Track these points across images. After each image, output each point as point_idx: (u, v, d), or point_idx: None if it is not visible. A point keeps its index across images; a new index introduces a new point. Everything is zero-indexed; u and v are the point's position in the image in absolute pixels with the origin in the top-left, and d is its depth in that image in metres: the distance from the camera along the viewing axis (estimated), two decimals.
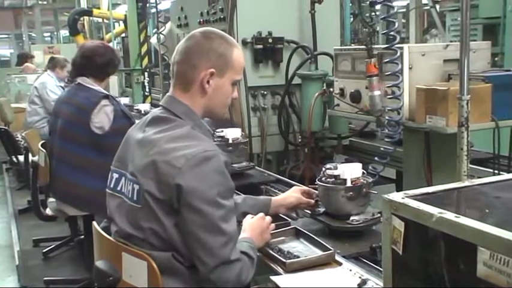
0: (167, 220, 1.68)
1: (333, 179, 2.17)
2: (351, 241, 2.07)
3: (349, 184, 2.13)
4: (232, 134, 3.02)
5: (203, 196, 1.65)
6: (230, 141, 2.99)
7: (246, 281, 1.75)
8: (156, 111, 1.89)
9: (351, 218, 2.13)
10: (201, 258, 1.67)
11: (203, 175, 1.66)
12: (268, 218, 2.04)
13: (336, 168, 2.18)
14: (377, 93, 2.76)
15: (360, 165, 2.21)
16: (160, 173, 1.67)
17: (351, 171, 2.16)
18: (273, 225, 2.04)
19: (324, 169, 2.23)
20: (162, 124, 1.80)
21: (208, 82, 1.81)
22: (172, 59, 1.87)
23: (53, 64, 6.24)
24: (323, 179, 2.22)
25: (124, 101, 5.35)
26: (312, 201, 2.28)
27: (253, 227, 1.97)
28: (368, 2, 3.02)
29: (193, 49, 1.82)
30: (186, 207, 1.65)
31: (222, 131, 3.02)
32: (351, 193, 2.12)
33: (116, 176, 1.87)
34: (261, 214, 2.05)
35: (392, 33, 2.70)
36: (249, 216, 2.05)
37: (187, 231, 1.68)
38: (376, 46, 2.81)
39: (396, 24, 2.75)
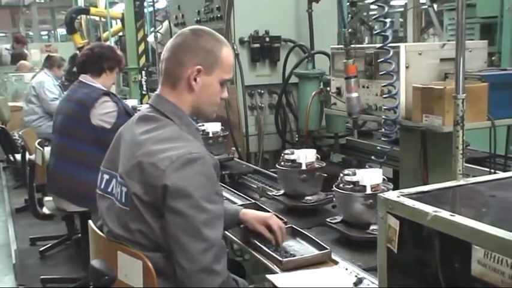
0: (154, 222, 1.66)
1: (352, 186, 2.02)
2: (370, 252, 1.84)
3: (368, 191, 1.98)
4: (307, 156, 2.43)
5: (186, 198, 1.61)
6: (304, 167, 2.41)
7: None
8: (144, 110, 1.88)
9: (371, 227, 1.96)
10: (178, 261, 1.63)
11: (187, 177, 1.62)
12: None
13: (354, 174, 2.03)
14: (355, 95, 2.77)
15: (380, 171, 2.07)
16: (146, 174, 1.65)
17: (370, 177, 2.01)
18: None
19: (341, 175, 2.08)
20: (149, 123, 1.78)
21: (195, 79, 1.78)
22: (161, 56, 1.86)
23: (50, 63, 6.25)
24: (341, 185, 2.07)
25: (132, 103, 5.27)
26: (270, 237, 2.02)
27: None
28: (349, 2, 3.03)
29: (181, 46, 1.80)
30: (169, 209, 1.62)
31: (293, 153, 2.44)
32: (371, 201, 1.94)
33: (106, 177, 1.86)
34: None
35: (385, 32, 2.69)
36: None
37: (169, 233, 1.64)
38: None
39: (388, 24, 2.74)
